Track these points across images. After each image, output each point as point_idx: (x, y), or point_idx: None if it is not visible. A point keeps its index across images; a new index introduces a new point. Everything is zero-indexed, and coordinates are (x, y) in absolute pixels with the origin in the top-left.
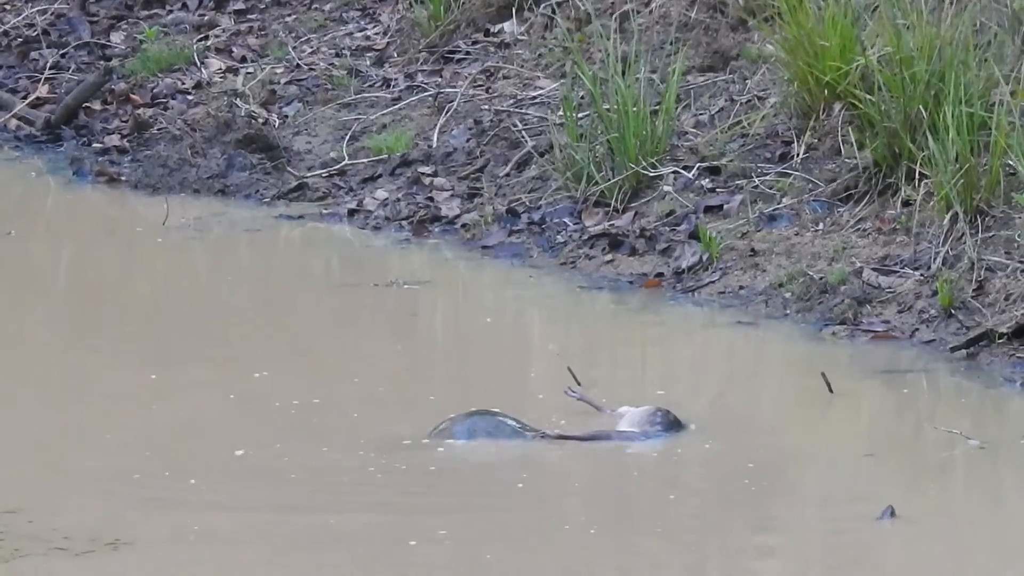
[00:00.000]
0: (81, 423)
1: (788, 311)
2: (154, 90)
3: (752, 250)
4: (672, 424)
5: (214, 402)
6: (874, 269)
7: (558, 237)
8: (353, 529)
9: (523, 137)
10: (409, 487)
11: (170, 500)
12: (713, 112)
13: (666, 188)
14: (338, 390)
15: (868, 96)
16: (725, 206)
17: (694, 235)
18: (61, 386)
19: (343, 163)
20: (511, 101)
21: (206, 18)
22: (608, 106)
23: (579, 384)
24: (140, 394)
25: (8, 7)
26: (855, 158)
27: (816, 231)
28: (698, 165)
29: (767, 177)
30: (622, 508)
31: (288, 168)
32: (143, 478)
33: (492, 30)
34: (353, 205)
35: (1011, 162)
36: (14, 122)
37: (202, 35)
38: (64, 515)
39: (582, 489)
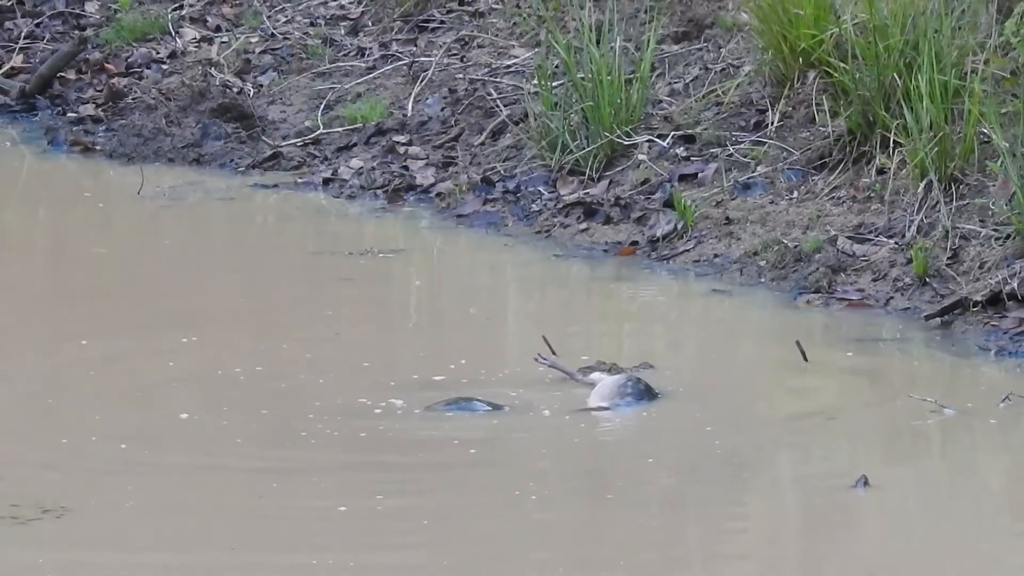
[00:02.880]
0: (36, 390)
1: (763, 279)
2: (129, 59)
3: (727, 218)
4: (645, 393)
5: (171, 369)
6: (848, 237)
7: (533, 206)
8: (288, 495)
9: (498, 106)
10: (347, 453)
11: (118, 467)
12: (688, 81)
13: (641, 157)
14: (300, 357)
15: (842, 64)
16: (700, 174)
17: (668, 203)
18: (17, 354)
19: (318, 132)
20: (486, 70)
21: None
22: (583, 75)
23: (554, 353)
24: (98, 362)
25: None
26: (829, 126)
27: (791, 199)
28: (673, 134)
29: (741, 145)
30: (585, 477)
31: (263, 137)
32: (93, 445)
33: None
34: (328, 174)
35: (985, 130)
36: None
37: (176, 4)
38: (14, 483)
39: (542, 457)
